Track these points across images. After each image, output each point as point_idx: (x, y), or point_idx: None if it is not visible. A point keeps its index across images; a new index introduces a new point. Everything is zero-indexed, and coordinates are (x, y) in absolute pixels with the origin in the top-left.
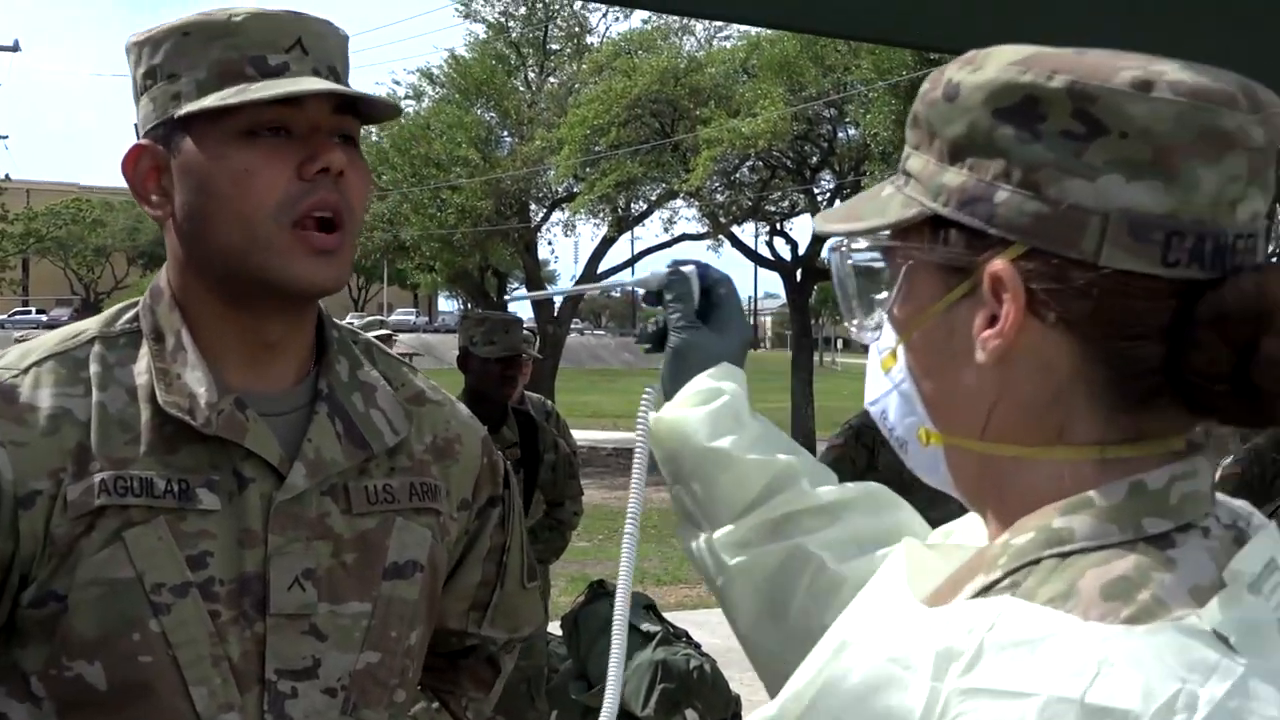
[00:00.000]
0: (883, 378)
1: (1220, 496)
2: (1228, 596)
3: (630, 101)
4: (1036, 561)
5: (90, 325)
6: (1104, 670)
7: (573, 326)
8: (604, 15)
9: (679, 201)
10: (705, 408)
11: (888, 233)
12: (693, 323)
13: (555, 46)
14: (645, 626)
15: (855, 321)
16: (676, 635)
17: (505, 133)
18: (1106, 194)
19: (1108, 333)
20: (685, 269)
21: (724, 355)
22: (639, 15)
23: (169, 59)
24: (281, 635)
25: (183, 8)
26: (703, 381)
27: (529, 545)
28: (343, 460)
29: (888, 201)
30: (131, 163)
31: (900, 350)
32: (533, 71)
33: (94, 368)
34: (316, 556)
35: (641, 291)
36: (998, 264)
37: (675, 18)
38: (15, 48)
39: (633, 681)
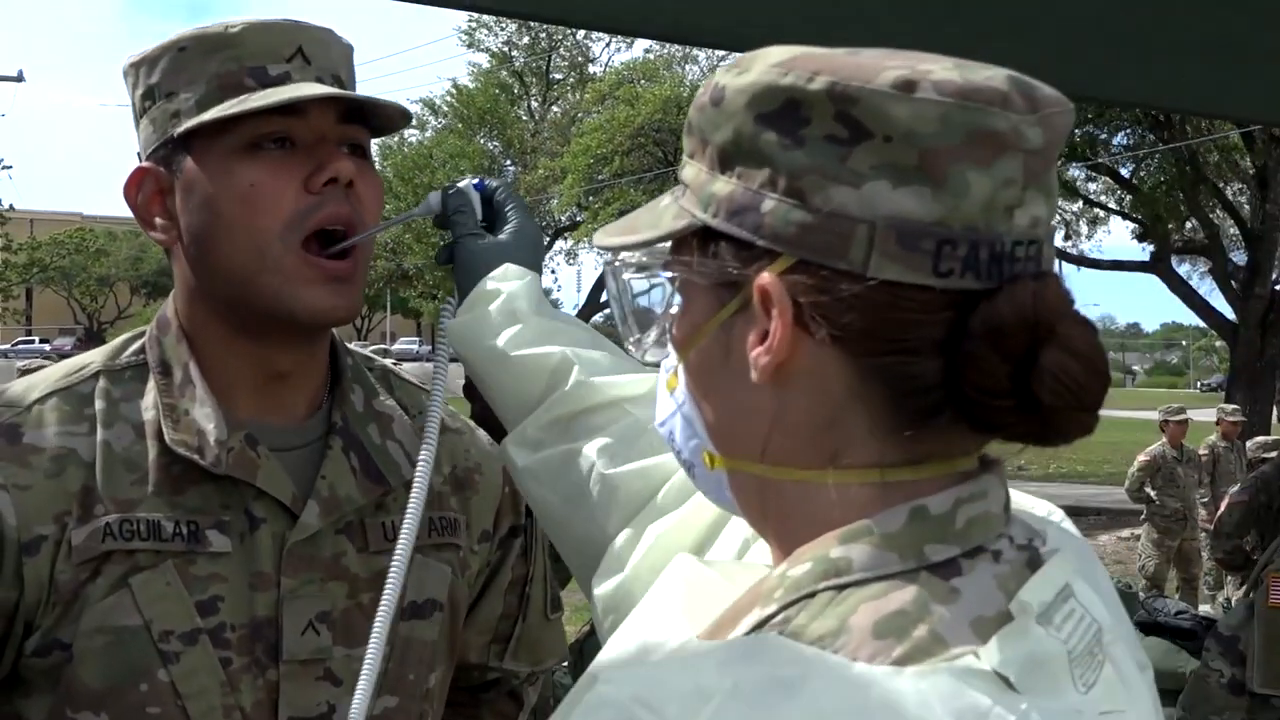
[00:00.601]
0: (668, 398)
1: (1019, 509)
2: (1012, 631)
3: (633, 130)
4: (812, 595)
5: (95, 358)
6: (866, 719)
7: None
8: (607, 45)
9: None
10: (489, 307)
11: (665, 245)
12: (474, 231)
13: (558, 76)
14: None
15: (634, 339)
16: None
17: (508, 162)
18: (873, 201)
19: (881, 348)
20: (461, 184)
21: (508, 258)
22: (641, 45)
23: (166, 77)
24: (295, 682)
25: None
26: (484, 285)
27: (552, 575)
28: (358, 497)
29: (663, 213)
30: (134, 187)
31: (680, 370)
32: (536, 101)
33: (99, 404)
34: (331, 598)
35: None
36: (765, 277)
37: (678, 47)
38: (20, 78)
39: None
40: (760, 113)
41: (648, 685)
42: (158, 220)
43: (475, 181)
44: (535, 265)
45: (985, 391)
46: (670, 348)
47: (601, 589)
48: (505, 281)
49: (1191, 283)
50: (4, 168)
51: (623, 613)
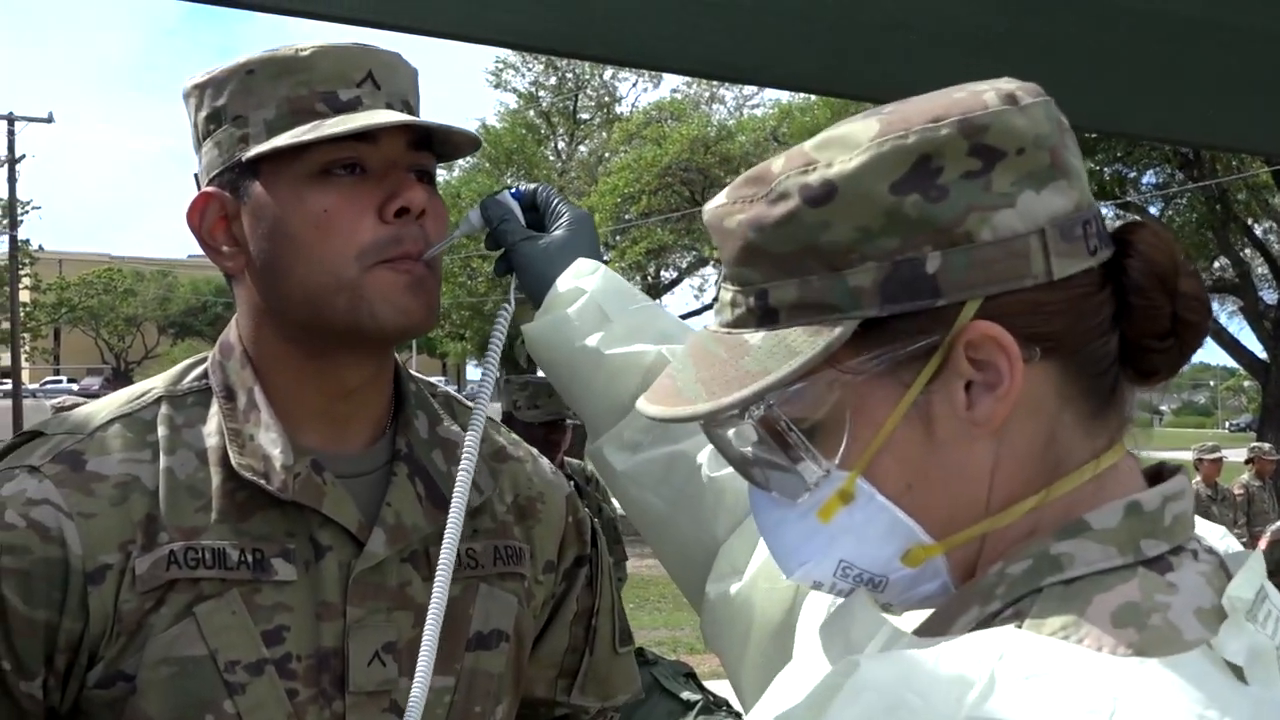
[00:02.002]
0: (819, 532)
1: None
2: (1233, 625)
3: (660, 170)
4: (1038, 590)
5: (157, 384)
6: (1120, 707)
7: None
8: (634, 85)
9: (709, 269)
10: (570, 309)
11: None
12: (527, 234)
13: (585, 116)
14: (685, 695)
15: (793, 475)
16: (717, 704)
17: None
18: (1031, 212)
19: (1083, 341)
20: (497, 196)
21: (573, 252)
22: (668, 85)
23: (234, 100)
24: (361, 714)
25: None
26: (564, 283)
27: (621, 608)
28: (424, 524)
29: (774, 348)
30: (198, 212)
31: (859, 483)
32: (563, 140)
33: (161, 430)
34: (397, 628)
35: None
36: (978, 326)
37: (705, 87)
38: (49, 119)
39: None
40: (893, 181)
41: (911, 671)
42: (224, 247)
43: (511, 191)
44: (596, 255)
45: (1155, 336)
46: (816, 471)
47: (717, 592)
48: (582, 279)
49: (1221, 321)
50: (33, 208)
51: (739, 617)
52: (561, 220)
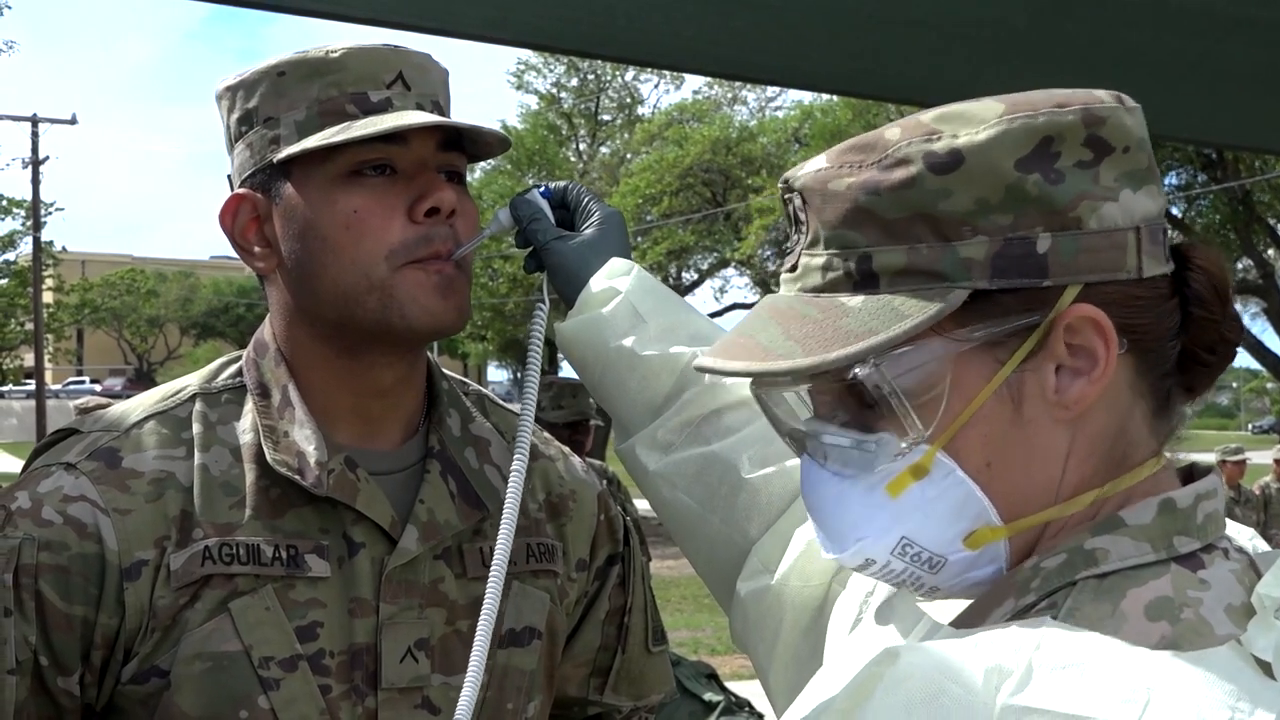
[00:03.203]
0: (885, 507)
1: None
2: (1262, 622)
3: (682, 171)
4: (1073, 584)
5: (191, 381)
6: (1154, 698)
7: None
8: (655, 86)
9: (730, 270)
10: (604, 309)
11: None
12: (558, 234)
13: (607, 117)
14: (708, 696)
15: (870, 444)
16: (739, 704)
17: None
18: (1129, 209)
19: (1157, 340)
20: (526, 195)
21: (604, 251)
22: (690, 86)
23: (265, 102)
24: (394, 710)
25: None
26: (598, 283)
27: (654, 606)
28: (457, 521)
29: (878, 310)
30: (230, 214)
31: (938, 457)
32: (584, 142)
33: (196, 427)
34: (430, 625)
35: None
36: (1081, 309)
37: (727, 89)
38: (72, 120)
39: None
40: (1020, 158)
41: (949, 661)
42: (255, 247)
43: (540, 189)
44: (627, 253)
45: (1208, 350)
46: (899, 442)
47: (748, 590)
48: (615, 278)
49: (1244, 322)
50: (56, 209)
51: (770, 616)
52: (592, 219)
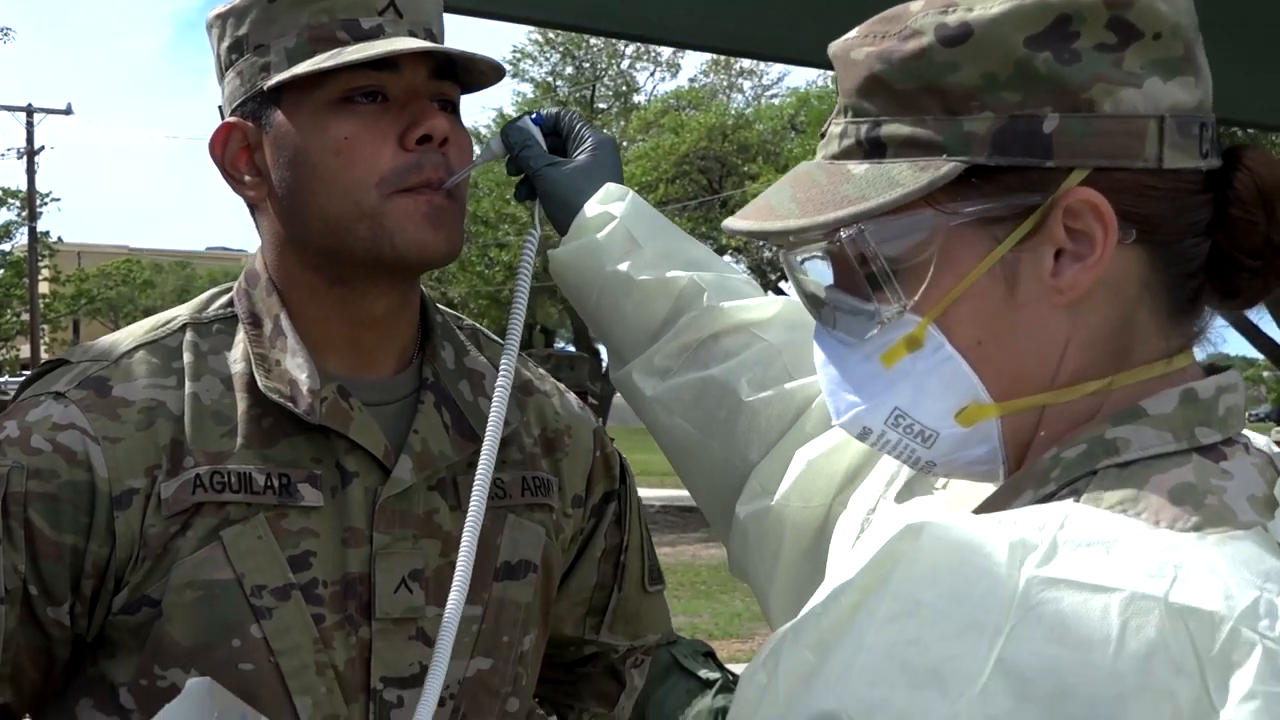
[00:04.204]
0: (879, 376)
1: None
2: None
3: (678, 158)
4: (1093, 473)
5: (181, 312)
6: (1181, 574)
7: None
8: (651, 74)
9: (727, 257)
10: (599, 234)
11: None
12: (550, 160)
13: (603, 105)
14: (704, 673)
15: (869, 309)
16: (736, 683)
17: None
18: (1154, 97)
19: (1175, 236)
20: (518, 122)
21: (598, 177)
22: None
23: (255, 29)
24: (388, 640)
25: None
26: (592, 208)
27: (651, 545)
28: (451, 453)
29: (876, 178)
30: (220, 143)
31: (930, 330)
32: None
33: (187, 357)
34: (424, 556)
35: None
36: (1082, 192)
37: (723, 75)
38: (68, 111)
39: None
40: (1030, 35)
41: (973, 536)
42: (246, 176)
43: (532, 116)
44: (620, 179)
45: (1246, 253)
46: (889, 312)
47: (747, 513)
48: (610, 203)
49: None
50: (52, 200)
51: (770, 537)
52: (585, 145)
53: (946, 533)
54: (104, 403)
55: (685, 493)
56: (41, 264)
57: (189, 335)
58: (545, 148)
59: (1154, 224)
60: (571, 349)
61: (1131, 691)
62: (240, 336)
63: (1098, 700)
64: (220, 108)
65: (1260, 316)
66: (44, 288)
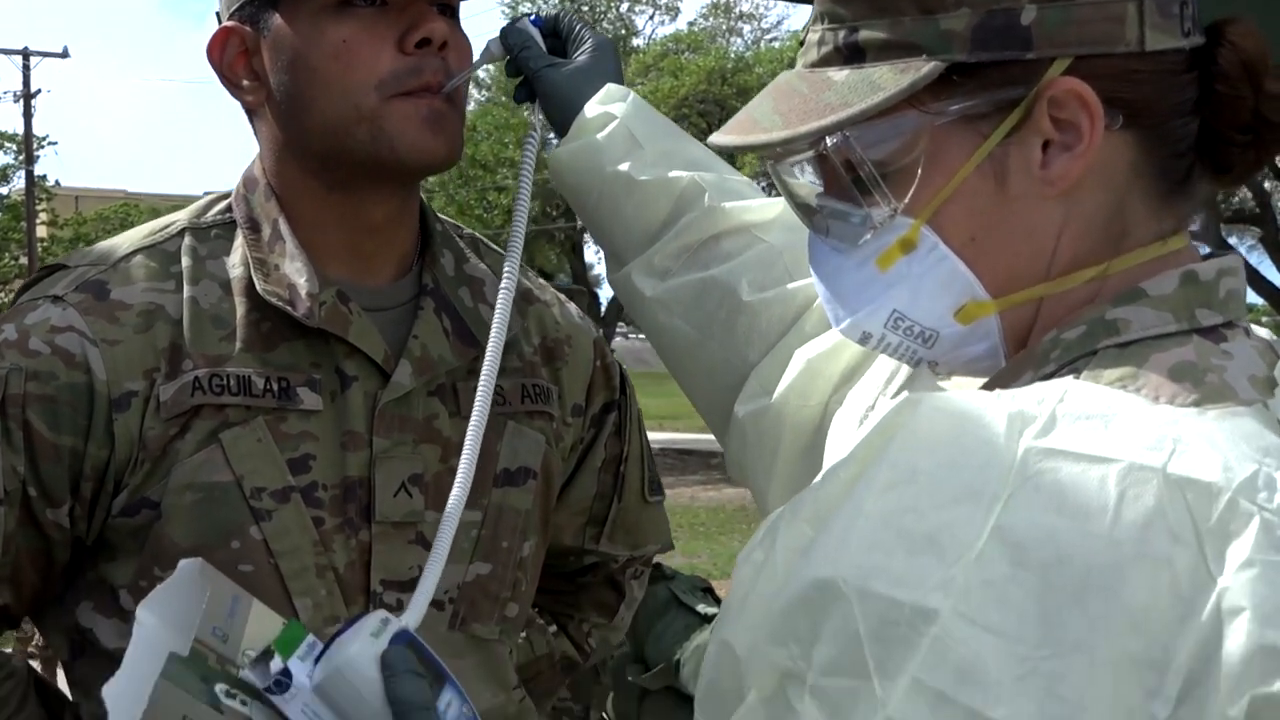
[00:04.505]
0: (875, 280)
1: None
2: None
3: (677, 101)
4: (1093, 353)
5: (179, 217)
6: (1180, 447)
7: (617, 330)
8: (650, 18)
9: None
10: (599, 134)
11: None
12: (550, 61)
13: None
14: (702, 608)
15: (856, 217)
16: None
17: (551, 135)
18: None
19: (1162, 118)
20: (517, 24)
21: (598, 78)
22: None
23: None
24: (388, 544)
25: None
26: (592, 109)
27: (650, 456)
28: (451, 358)
29: (858, 83)
30: (218, 47)
31: (923, 231)
32: None
33: (185, 261)
34: (424, 461)
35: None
36: (1065, 82)
37: (722, 19)
38: (64, 54)
39: (690, 663)
40: None
41: (971, 408)
42: (244, 81)
43: (531, 17)
44: (620, 80)
45: (1235, 129)
46: (882, 215)
47: (746, 412)
48: (610, 104)
49: (1241, 253)
50: (49, 144)
51: (768, 436)
52: (585, 46)
53: (945, 404)
54: (102, 306)
55: (684, 435)
56: (39, 208)
57: (187, 240)
58: (545, 49)
59: (1140, 108)
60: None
61: (1128, 559)
62: (239, 241)
63: (1094, 568)
64: (218, 13)
65: (1260, 261)
66: (42, 231)
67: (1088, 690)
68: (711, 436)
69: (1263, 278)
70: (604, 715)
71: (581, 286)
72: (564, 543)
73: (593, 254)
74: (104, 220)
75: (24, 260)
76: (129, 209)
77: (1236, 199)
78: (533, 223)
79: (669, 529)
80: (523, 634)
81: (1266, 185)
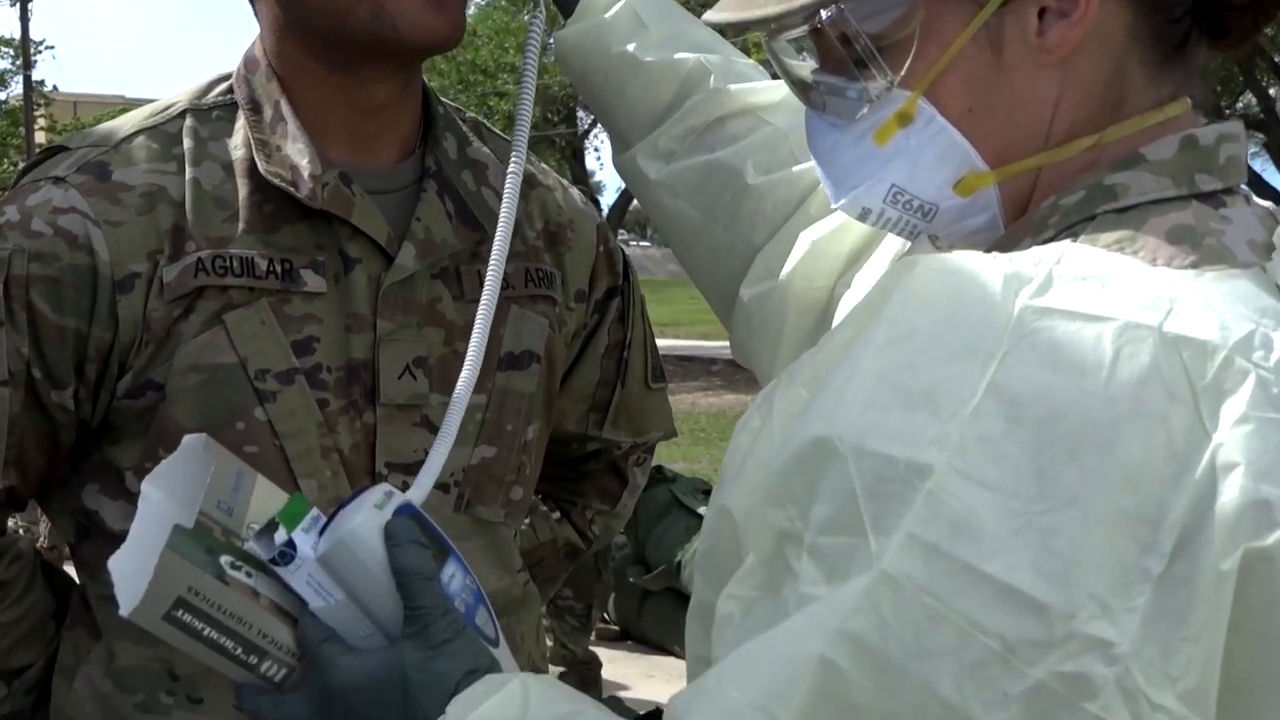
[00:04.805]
0: (873, 155)
1: None
2: None
3: (681, 1)
4: (1092, 218)
5: (180, 98)
6: (1176, 306)
7: (617, 235)
8: None
9: None
10: (605, 15)
11: None
12: None
13: None
14: (703, 510)
15: (853, 92)
16: None
17: (552, 39)
18: None
19: None
20: None
21: None
22: None
23: None
24: (392, 426)
25: None
26: None
27: (654, 342)
28: (454, 241)
29: None
30: None
31: (920, 103)
32: None
33: (187, 142)
34: (428, 344)
35: None
36: None
37: None
38: None
39: (691, 565)
40: None
41: (968, 269)
42: None
43: None
44: None
45: None
46: (880, 88)
47: (751, 295)
48: None
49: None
50: (47, 48)
51: (773, 319)
52: None
53: (942, 264)
54: (104, 187)
55: (684, 341)
56: (37, 113)
57: (188, 121)
58: None
59: None
60: None
61: (1123, 416)
62: (240, 123)
63: (1088, 424)
64: None
65: (1264, 168)
66: (40, 137)
67: (1081, 544)
68: (711, 343)
69: (1267, 183)
70: (605, 615)
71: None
72: (567, 429)
73: (593, 159)
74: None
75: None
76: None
77: (1241, 104)
78: (533, 128)
79: (672, 416)
80: (526, 520)
81: (1272, 91)
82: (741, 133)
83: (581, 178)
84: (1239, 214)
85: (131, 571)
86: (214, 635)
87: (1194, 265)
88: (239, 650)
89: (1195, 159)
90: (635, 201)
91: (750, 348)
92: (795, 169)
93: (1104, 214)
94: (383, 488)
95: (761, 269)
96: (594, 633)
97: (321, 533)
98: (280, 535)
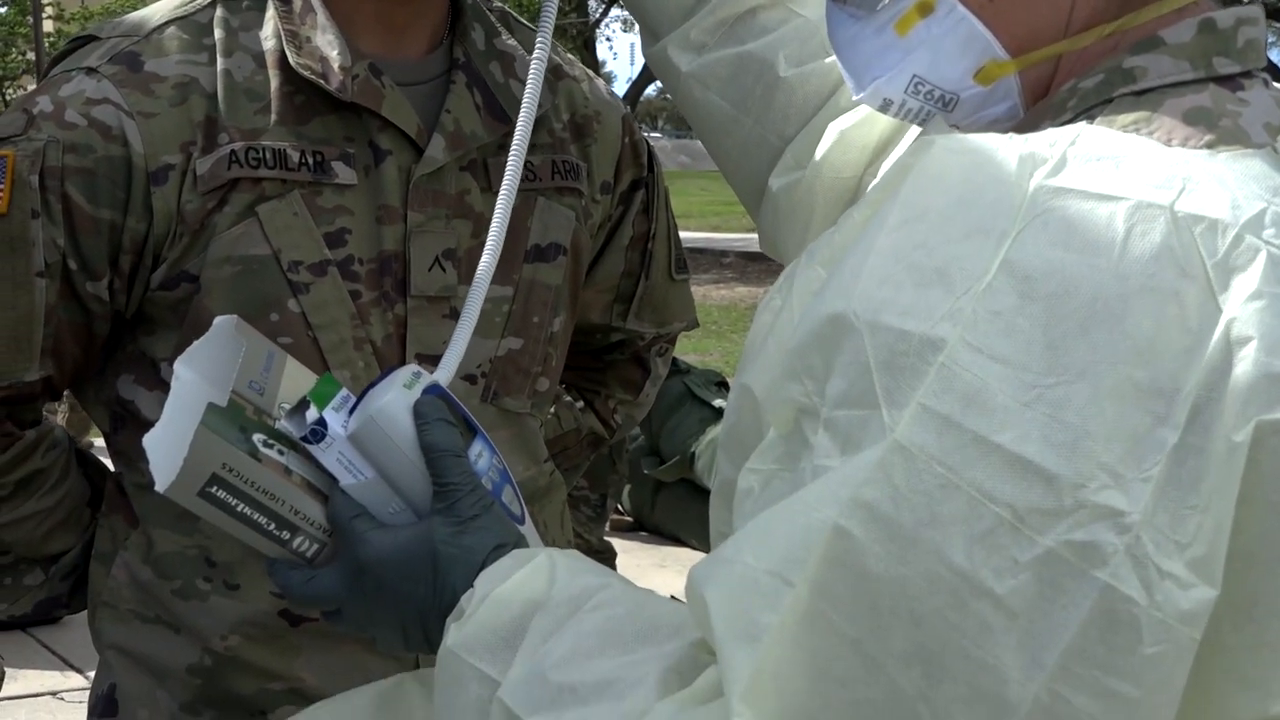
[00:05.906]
0: (894, 46)
1: None
2: None
3: None
4: (1109, 100)
5: None
6: (1189, 185)
7: None
8: None
9: None
10: None
11: None
12: None
13: None
14: (717, 402)
15: None
16: None
17: None
18: None
19: None
20: None
21: None
22: None
23: None
24: (423, 317)
25: None
26: None
27: (677, 234)
28: (483, 133)
29: None
30: None
31: None
32: None
33: (218, 33)
34: (457, 236)
35: None
36: None
37: None
38: None
39: (705, 456)
40: None
41: (983, 149)
42: None
43: None
44: None
45: None
46: None
47: (780, 185)
48: None
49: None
50: None
51: (801, 209)
52: None
53: (958, 144)
54: (137, 78)
55: (696, 234)
56: (45, 1)
57: (219, 11)
58: None
59: None
60: None
61: (1135, 291)
62: (270, 13)
63: (1099, 299)
64: None
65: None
66: (48, 26)
67: (1091, 416)
68: (723, 235)
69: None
70: (620, 505)
71: None
72: (592, 320)
73: (605, 50)
74: (111, 15)
75: (30, 56)
76: (137, 1)
77: None
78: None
79: (694, 307)
80: (551, 410)
81: None
82: (773, 25)
83: (593, 67)
84: (1256, 96)
85: (167, 449)
86: (247, 511)
87: (1209, 146)
88: (271, 526)
89: (1213, 42)
90: (645, 92)
91: (778, 238)
92: (826, 61)
93: (1121, 96)
94: (411, 368)
95: (790, 160)
96: (608, 523)
97: (352, 411)
98: (311, 414)
